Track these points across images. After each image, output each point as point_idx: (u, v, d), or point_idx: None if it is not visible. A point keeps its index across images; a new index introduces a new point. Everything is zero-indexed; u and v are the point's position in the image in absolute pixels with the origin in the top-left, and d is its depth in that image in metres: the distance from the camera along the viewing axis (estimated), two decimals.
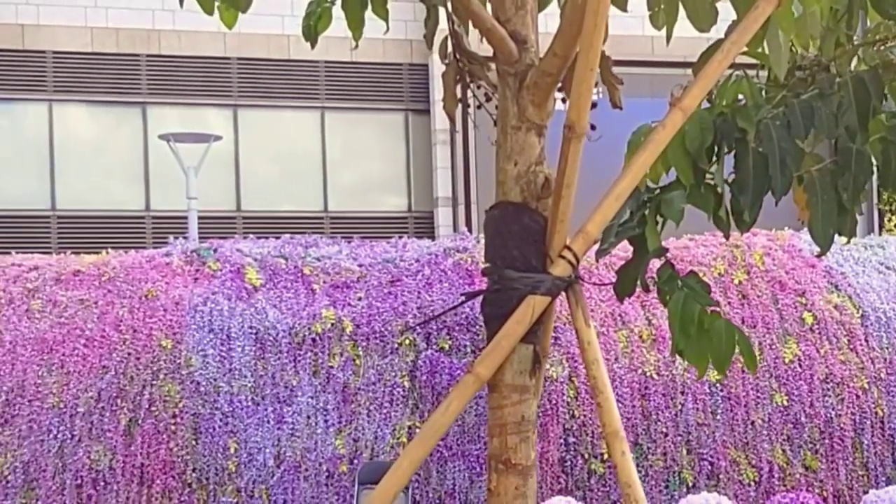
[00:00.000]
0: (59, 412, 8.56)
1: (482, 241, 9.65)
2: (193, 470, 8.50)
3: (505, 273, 3.54)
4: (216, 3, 3.78)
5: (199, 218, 17.47)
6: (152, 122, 20.91)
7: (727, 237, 4.02)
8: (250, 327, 8.91)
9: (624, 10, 4.08)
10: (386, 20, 4.19)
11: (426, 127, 22.03)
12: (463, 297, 4.43)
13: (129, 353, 8.73)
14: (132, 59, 21.13)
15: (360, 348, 8.96)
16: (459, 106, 4.32)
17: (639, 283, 4.00)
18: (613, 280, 4.11)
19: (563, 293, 3.62)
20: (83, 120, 21.38)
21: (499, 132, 3.64)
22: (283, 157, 21.87)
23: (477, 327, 9.03)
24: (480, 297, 3.86)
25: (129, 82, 21.16)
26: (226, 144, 19.82)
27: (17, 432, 8.53)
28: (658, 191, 3.89)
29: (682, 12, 4.05)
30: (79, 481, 8.44)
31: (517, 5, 3.59)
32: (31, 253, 10.28)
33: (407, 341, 8.99)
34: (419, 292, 9.22)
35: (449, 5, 4.07)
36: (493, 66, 3.77)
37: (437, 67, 21.47)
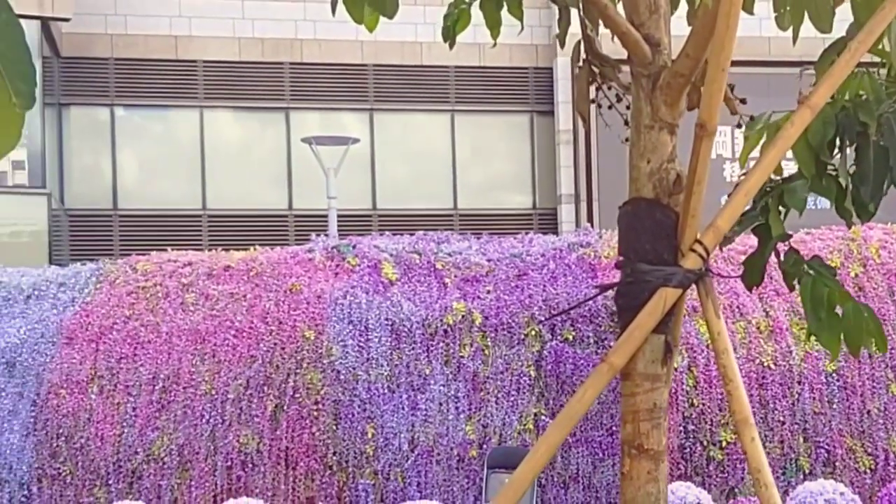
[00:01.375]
0: (211, 399, 8.69)
1: (604, 236, 9.63)
2: (334, 453, 8.57)
3: (638, 266, 3.50)
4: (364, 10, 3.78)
5: (338, 216, 17.61)
6: (295, 126, 21.14)
7: (849, 226, 3.94)
8: (386, 319, 8.94)
9: (750, 13, 4.01)
10: (521, 20, 4.18)
11: (550, 127, 21.95)
12: (597, 290, 4.38)
13: (275, 344, 8.83)
14: (276, 67, 21.38)
15: (488, 339, 8.95)
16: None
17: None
18: (732, 273, 4.06)
19: (694, 285, 3.56)
20: (231, 125, 21.69)
21: (632, 131, 3.60)
22: (415, 158, 21.95)
23: (599, 319, 8.96)
24: (608, 290, 3.84)
25: (273, 89, 21.42)
26: (362, 146, 19.94)
27: (173, 417, 8.69)
28: (780, 181, 3.84)
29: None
30: (229, 463, 8.56)
31: (651, 9, 3.54)
32: (185, 249, 10.44)
33: (533, 332, 8.96)
34: (544, 285, 9.18)
35: (581, 10, 4.04)
36: (624, 67, 3.73)
37: (562, 70, 21.55)
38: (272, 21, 21.11)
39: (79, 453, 8.67)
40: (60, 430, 8.72)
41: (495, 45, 4.30)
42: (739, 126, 4.00)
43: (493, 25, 4.22)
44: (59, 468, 8.68)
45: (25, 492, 8.69)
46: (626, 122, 3.76)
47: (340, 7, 3.60)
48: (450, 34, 4.37)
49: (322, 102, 21.43)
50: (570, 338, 8.91)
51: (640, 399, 3.54)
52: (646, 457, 3.55)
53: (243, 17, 21.12)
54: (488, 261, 9.45)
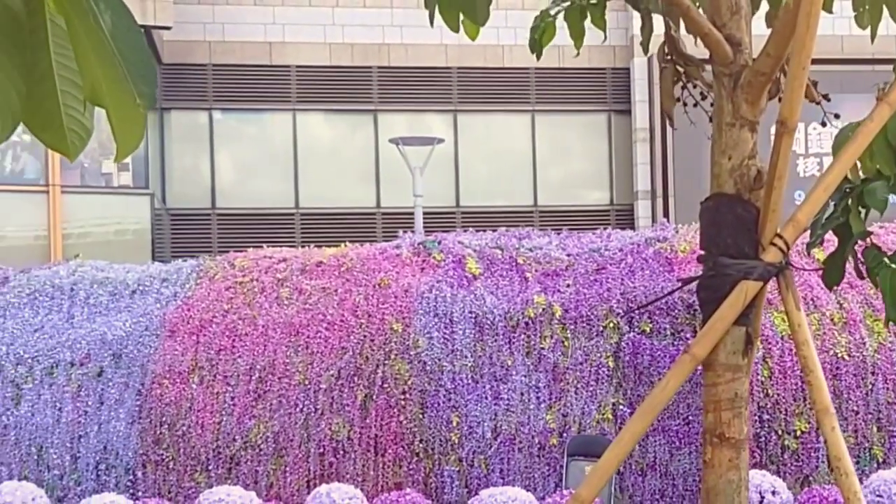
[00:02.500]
0: (305, 388, 8.73)
1: (680, 231, 9.52)
2: (420, 441, 8.56)
3: (719, 260, 3.45)
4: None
5: (424, 213, 17.63)
6: (382, 127, 21.21)
7: None
8: (470, 312, 8.92)
9: (830, 11, 3.93)
10: (604, 30, 4.17)
11: (627, 126, 21.81)
12: (679, 283, 4.32)
13: (365, 336, 8.85)
14: (365, 71, 21.47)
15: (568, 331, 8.90)
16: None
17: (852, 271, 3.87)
18: (807, 267, 4.00)
19: (774, 279, 3.50)
20: (322, 126, 21.81)
21: (714, 129, 3.55)
22: (497, 157, 21.93)
23: (676, 311, 8.86)
24: (690, 284, 3.79)
25: (362, 92, 21.51)
26: (446, 146, 19.96)
27: (269, 406, 8.74)
28: (860, 183, 3.76)
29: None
30: (321, 450, 8.59)
31: (732, 10, 3.49)
32: (279, 246, 10.51)
33: (611, 324, 8.89)
34: (622, 279, 9.10)
35: (664, 12, 4.00)
36: (708, 67, 3.68)
37: (639, 71, 21.42)
38: (361, 27, 21.21)
39: (180, 440, 8.76)
40: (163, 419, 8.81)
41: (578, 54, 4.28)
42: (824, 124, 3.93)
43: (577, 36, 4.22)
44: (162, 454, 8.78)
45: (131, 477, 8.80)
46: (711, 120, 3.72)
47: (425, 12, 3.59)
48: (537, 46, 4.36)
49: (408, 104, 21.49)
50: (648, 330, 8.83)
51: (722, 389, 3.49)
52: (727, 445, 3.50)
53: (334, 24, 21.24)
54: (568, 255, 9.40)
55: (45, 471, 8.87)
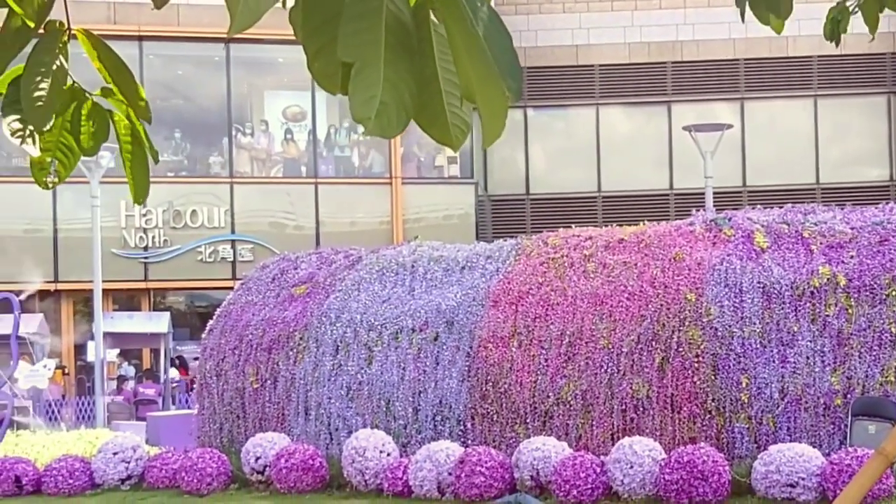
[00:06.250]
0: (608, 352, 8.70)
1: None
2: (713, 400, 8.35)
3: None
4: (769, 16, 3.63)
5: (713, 193, 17.17)
6: (675, 117, 20.86)
7: None
8: (758, 282, 8.63)
9: None
10: None
11: None
12: None
13: (661, 305, 8.71)
14: (660, 67, 21.19)
15: (852, 299, 8.44)
16: None
17: None
18: None
19: None
20: (621, 118, 21.67)
21: None
22: (780, 139, 21.16)
23: None
24: None
25: (657, 85, 21.25)
26: (734, 131, 19.36)
27: (577, 367, 8.76)
28: None
29: None
30: (623, 406, 8.54)
31: None
32: (584, 226, 10.51)
33: (894, 293, 8.37)
34: None
35: None
36: None
37: None
38: (657, 27, 20.93)
39: (503, 396, 8.92)
40: (488, 377, 8.99)
41: (873, 38, 4.01)
42: None
43: (873, 25, 3.94)
44: (487, 408, 8.96)
45: (462, 427, 9.04)
46: None
47: (716, 10, 3.45)
48: (835, 34, 4.12)
49: (699, 95, 21.06)
50: None
51: None
52: None
53: (632, 25, 21.06)
54: (851, 228, 8.94)
55: (392, 421, 9.24)
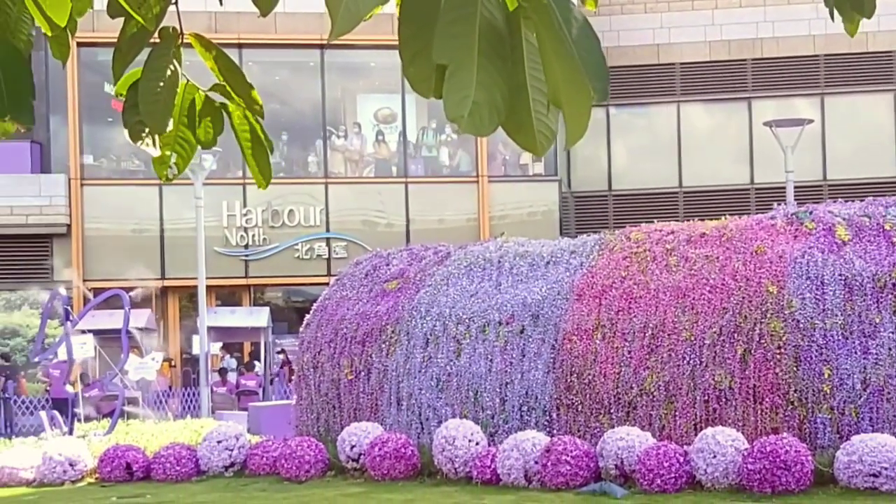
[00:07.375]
0: (691, 343, 8.59)
1: None
2: (795, 391, 8.20)
3: None
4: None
5: (794, 187, 16.85)
6: (756, 112, 20.53)
7: None
8: (840, 275, 8.45)
9: None
10: None
11: None
12: None
13: (743, 297, 8.58)
14: (740, 64, 20.88)
15: None
16: None
17: None
18: None
19: None
20: (701, 115, 21.40)
21: None
22: (860, 134, 20.70)
23: None
24: None
25: (737, 82, 20.95)
26: (814, 126, 18.97)
27: (660, 359, 8.67)
28: None
29: None
30: (706, 398, 8.43)
31: None
32: (666, 221, 10.40)
33: None
34: None
35: None
36: None
37: None
38: (737, 25, 20.64)
39: (587, 388, 8.87)
40: (573, 369, 8.96)
41: None
42: None
43: None
44: (572, 399, 8.93)
45: (547, 417, 9.02)
46: None
47: (796, 7, 3.38)
48: None
49: (779, 90, 20.70)
50: None
51: None
52: None
53: (713, 24, 20.79)
54: None
55: (480, 411, 9.26)
